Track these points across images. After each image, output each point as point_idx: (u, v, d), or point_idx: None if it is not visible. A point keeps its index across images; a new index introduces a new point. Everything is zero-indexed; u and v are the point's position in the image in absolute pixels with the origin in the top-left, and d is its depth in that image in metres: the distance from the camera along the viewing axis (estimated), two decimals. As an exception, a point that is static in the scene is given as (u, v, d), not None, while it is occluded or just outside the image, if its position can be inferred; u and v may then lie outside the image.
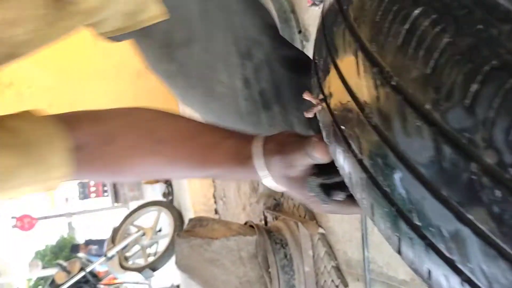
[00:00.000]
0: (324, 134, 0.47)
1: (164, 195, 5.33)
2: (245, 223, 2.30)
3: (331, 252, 1.88)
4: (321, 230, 1.93)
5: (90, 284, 4.51)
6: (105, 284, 4.83)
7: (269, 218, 2.53)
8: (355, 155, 0.37)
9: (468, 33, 0.25)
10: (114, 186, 7.64)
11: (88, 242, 11.13)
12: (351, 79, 0.35)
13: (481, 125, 0.23)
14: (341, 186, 0.50)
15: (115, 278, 4.85)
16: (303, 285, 1.98)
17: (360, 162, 0.37)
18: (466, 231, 0.26)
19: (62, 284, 4.33)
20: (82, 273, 4.43)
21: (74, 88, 3.40)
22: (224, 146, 0.62)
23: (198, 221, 2.15)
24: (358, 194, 0.40)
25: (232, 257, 2.00)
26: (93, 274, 4.56)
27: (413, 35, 0.28)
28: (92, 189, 11.75)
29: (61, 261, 4.87)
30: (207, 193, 4.00)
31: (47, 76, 3.35)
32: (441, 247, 0.29)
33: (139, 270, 4.24)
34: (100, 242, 10.38)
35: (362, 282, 1.68)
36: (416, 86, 0.28)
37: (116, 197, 7.72)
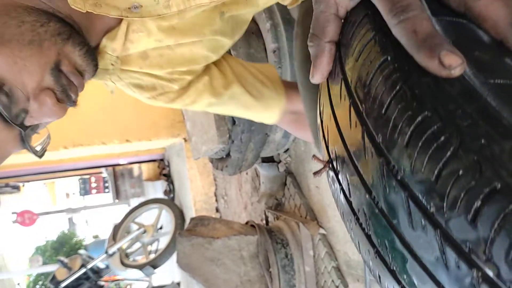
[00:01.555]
0: (332, 193, 0.46)
1: (166, 192, 5.33)
2: (246, 223, 2.30)
3: (331, 253, 1.88)
4: (322, 231, 1.93)
5: (91, 280, 4.53)
6: (106, 281, 4.85)
7: (270, 218, 2.53)
8: (363, 229, 0.37)
9: (471, 149, 0.25)
10: (115, 182, 7.62)
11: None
12: (358, 159, 0.34)
13: (482, 240, 0.24)
14: None
15: (116, 275, 4.87)
16: (304, 285, 1.98)
17: (368, 237, 0.36)
18: None
19: (63, 280, 4.35)
20: (83, 270, 4.45)
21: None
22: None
23: (200, 220, 2.15)
24: (367, 263, 0.40)
25: (233, 256, 2.00)
26: (94, 270, 4.58)
27: (418, 140, 0.28)
28: (93, 185, 11.75)
29: (62, 258, 4.87)
30: (208, 192, 4.01)
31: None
32: None
33: (140, 267, 4.26)
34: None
35: (362, 283, 1.69)
36: (421, 189, 0.27)
37: (117, 194, 7.68)
